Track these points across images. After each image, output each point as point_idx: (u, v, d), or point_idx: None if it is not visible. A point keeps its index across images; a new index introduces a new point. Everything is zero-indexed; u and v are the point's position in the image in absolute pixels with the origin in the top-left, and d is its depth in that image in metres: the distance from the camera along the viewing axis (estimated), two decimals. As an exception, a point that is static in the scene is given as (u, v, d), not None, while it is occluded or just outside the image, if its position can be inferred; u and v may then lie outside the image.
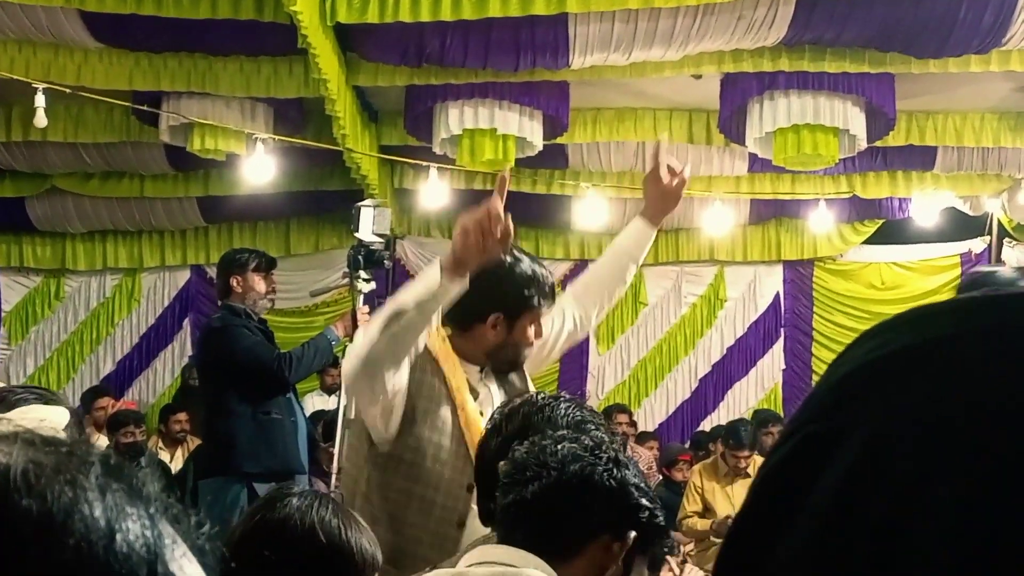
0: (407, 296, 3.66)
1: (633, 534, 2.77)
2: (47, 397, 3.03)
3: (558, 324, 4.43)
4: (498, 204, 3.72)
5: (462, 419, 3.97)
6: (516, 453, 2.83)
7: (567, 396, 3.34)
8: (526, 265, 4.07)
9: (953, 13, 8.68)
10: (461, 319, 4.09)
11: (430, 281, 3.64)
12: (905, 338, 0.67)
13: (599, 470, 2.72)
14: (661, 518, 2.84)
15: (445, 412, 3.96)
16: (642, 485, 2.80)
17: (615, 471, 2.73)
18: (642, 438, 12.45)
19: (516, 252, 4.09)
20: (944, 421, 0.61)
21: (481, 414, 4.00)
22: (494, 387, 4.19)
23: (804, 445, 0.67)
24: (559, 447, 2.74)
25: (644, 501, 2.76)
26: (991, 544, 0.57)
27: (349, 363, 3.81)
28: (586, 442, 2.77)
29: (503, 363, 4.16)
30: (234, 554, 2.70)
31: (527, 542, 2.70)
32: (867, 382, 0.66)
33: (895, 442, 0.62)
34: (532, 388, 4.21)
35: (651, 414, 14.29)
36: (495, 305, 4.08)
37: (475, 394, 4.10)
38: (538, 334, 4.12)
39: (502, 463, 2.87)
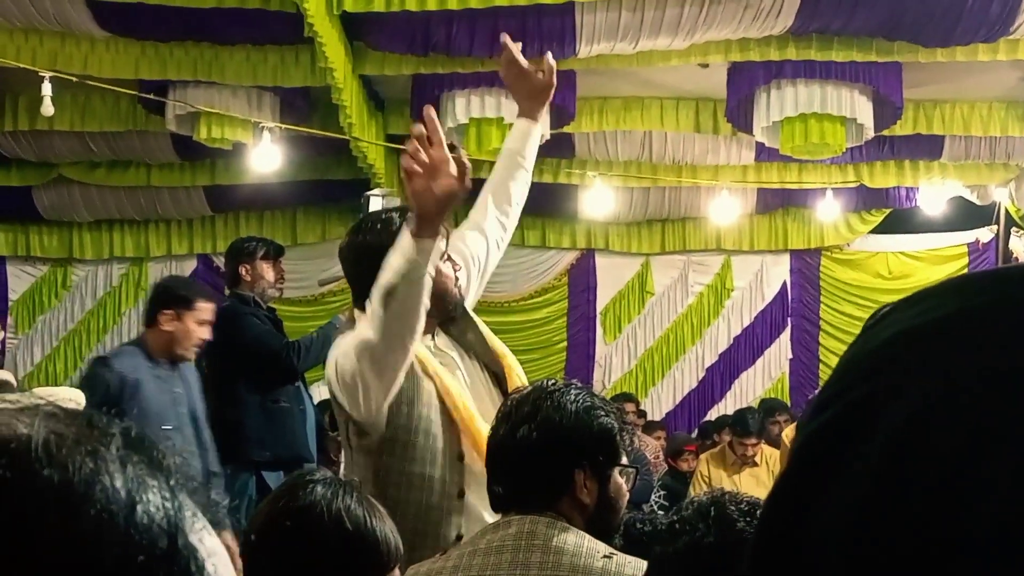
0: (388, 274, 3.53)
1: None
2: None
3: (482, 245, 4.36)
4: (422, 129, 3.53)
5: (439, 386, 3.90)
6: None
7: (577, 384, 3.34)
8: (381, 219, 4.00)
9: (960, 2, 8.68)
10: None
11: (404, 249, 3.52)
12: (950, 304, 0.66)
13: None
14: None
15: (424, 383, 3.90)
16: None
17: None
18: (649, 427, 12.45)
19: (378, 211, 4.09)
20: (994, 387, 0.60)
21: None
22: (451, 348, 4.11)
23: (847, 409, 0.66)
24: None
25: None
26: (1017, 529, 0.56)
27: (347, 360, 3.70)
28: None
29: (438, 314, 3.98)
30: (257, 540, 2.70)
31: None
32: (912, 347, 0.65)
33: (943, 407, 0.61)
34: (488, 335, 4.17)
35: (658, 403, 14.29)
36: (361, 265, 3.95)
37: (452, 363, 4.04)
38: (454, 268, 4.02)
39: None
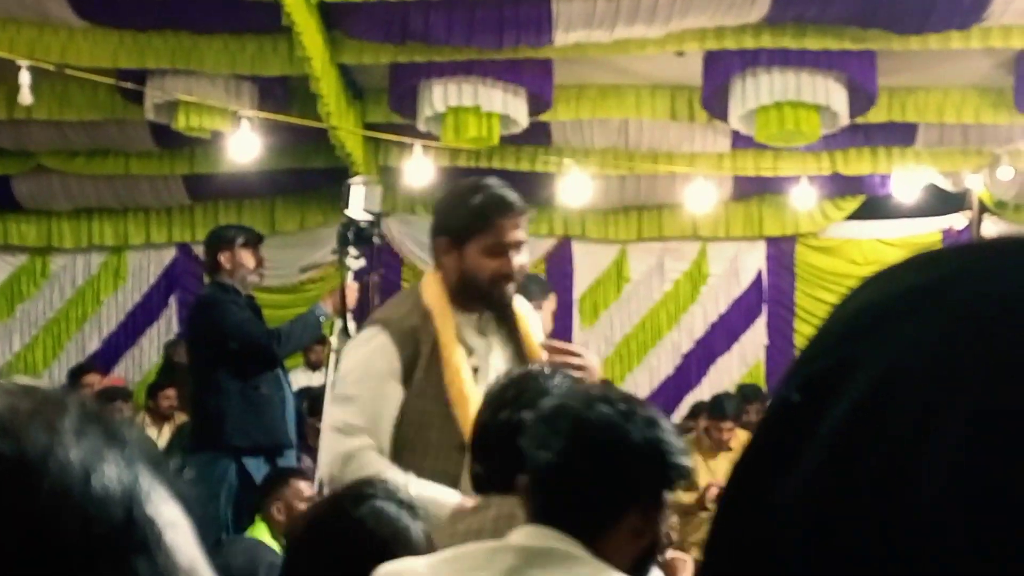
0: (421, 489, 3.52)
1: (668, 495, 2.69)
2: None
3: None
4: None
5: (445, 377, 3.88)
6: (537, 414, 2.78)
7: (564, 372, 3.37)
8: (480, 192, 4.01)
9: (934, -10, 8.74)
10: (432, 250, 4.07)
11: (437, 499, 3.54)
12: (911, 278, 0.68)
13: (633, 431, 2.61)
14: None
15: (429, 374, 3.90)
16: (672, 440, 2.68)
17: (647, 432, 2.62)
18: (626, 413, 12.44)
19: (487, 180, 4.08)
20: (955, 358, 0.61)
21: (476, 370, 3.96)
22: (495, 339, 4.11)
23: (811, 380, 0.66)
24: (590, 412, 2.64)
25: (675, 456, 2.66)
26: (994, 481, 0.57)
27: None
28: (620, 407, 2.66)
29: (477, 300, 4.02)
30: (300, 544, 2.71)
31: (561, 517, 2.61)
32: (876, 319, 0.66)
33: (906, 377, 0.61)
34: (527, 335, 4.16)
35: (634, 390, 14.24)
36: (441, 229, 4.05)
37: (469, 349, 4.01)
38: (504, 269, 3.97)
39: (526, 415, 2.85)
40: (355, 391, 3.93)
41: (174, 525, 0.70)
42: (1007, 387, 0.58)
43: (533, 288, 7.01)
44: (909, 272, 0.69)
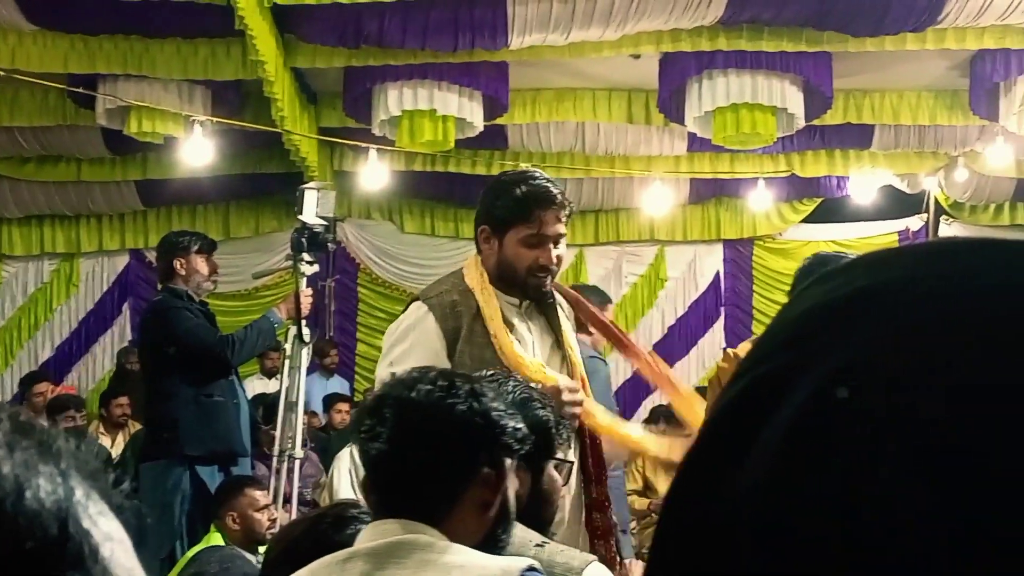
0: None
1: (509, 461, 2.67)
2: None
3: None
4: None
5: (496, 347, 3.93)
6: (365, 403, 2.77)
7: (517, 376, 3.34)
8: (524, 183, 4.06)
9: (889, -8, 8.76)
10: (476, 239, 4.16)
11: None
12: (859, 281, 0.67)
13: (457, 406, 2.59)
14: (527, 427, 2.73)
15: (471, 345, 3.95)
16: (501, 408, 2.67)
17: (473, 403, 2.61)
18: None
19: (534, 171, 4.15)
20: (894, 363, 0.61)
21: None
22: (533, 325, 4.14)
23: (757, 383, 0.66)
24: (411, 394, 2.62)
25: (509, 423, 2.65)
26: (942, 487, 0.57)
27: None
28: (440, 383, 2.64)
29: (517, 288, 4.08)
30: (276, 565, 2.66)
31: (402, 505, 2.60)
32: (822, 322, 0.66)
33: (850, 382, 0.61)
34: (566, 328, 4.21)
35: (593, 394, 14.28)
36: (483, 218, 4.14)
37: (511, 325, 4.04)
38: (542, 259, 4.02)
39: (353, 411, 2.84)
40: (403, 366, 3.91)
41: (111, 539, 0.68)
42: (953, 391, 0.59)
43: (591, 298, 7.20)
44: (854, 274, 0.68)
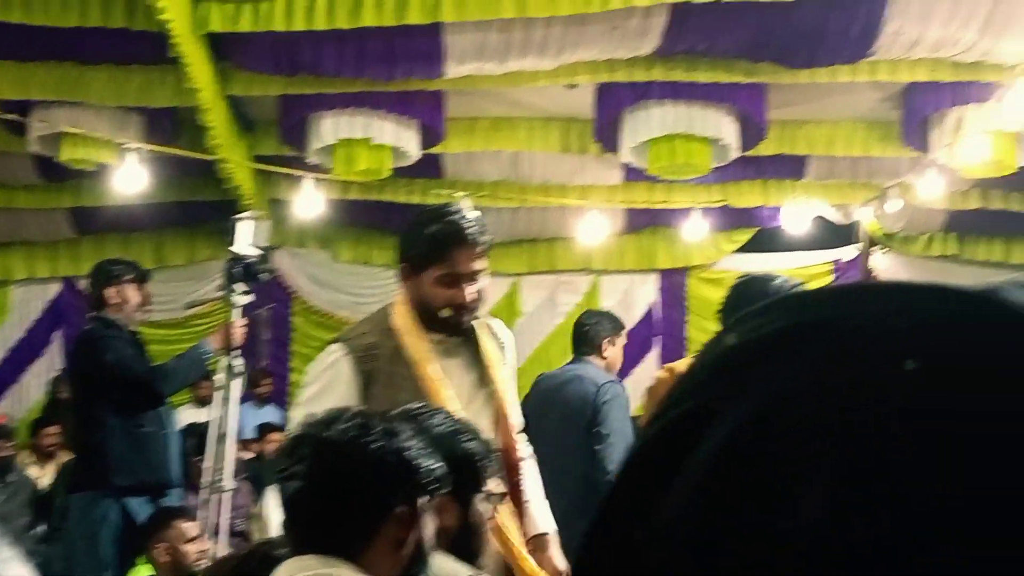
0: None
1: (425, 499, 2.70)
2: None
3: None
4: None
5: (424, 389, 3.92)
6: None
7: (445, 409, 3.34)
8: (437, 221, 4.03)
9: (822, 24, 8.82)
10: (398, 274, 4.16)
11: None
12: (781, 321, 0.67)
13: (371, 445, 2.65)
14: (442, 463, 2.76)
15: (388, 388, 3.93)
16: (417, 446, 2.72)
17: (388, 442, 2.67)
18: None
19: (451, 208, 4.09)
20: (813, 405, 0.62)
21: None
22: (455, 362, 4.13)
23: (677, 421, 0.67)
24: (327, 432, 2.68)
25: (424, 463, 2.70)
26: (856, 530, 0.57)
27: None
28: (356, 422, 2.71)
29: (435, 324, 4.06)
30: None
31: (320, 541, 2.64)
32: (743, 362, 0.66)
33: (770, 423, 0.62)
34: (489, 358, 4.19)
35: (528, 424, 14.26)
36: (402, 255, 4.13)
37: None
38: (457, 299, 4.01)
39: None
40: (313, 407, 3.90)
41: None
42: (873, 432, 0.59)
43: (605, 324, 7.71)
44: (777, 313, 0.68)
